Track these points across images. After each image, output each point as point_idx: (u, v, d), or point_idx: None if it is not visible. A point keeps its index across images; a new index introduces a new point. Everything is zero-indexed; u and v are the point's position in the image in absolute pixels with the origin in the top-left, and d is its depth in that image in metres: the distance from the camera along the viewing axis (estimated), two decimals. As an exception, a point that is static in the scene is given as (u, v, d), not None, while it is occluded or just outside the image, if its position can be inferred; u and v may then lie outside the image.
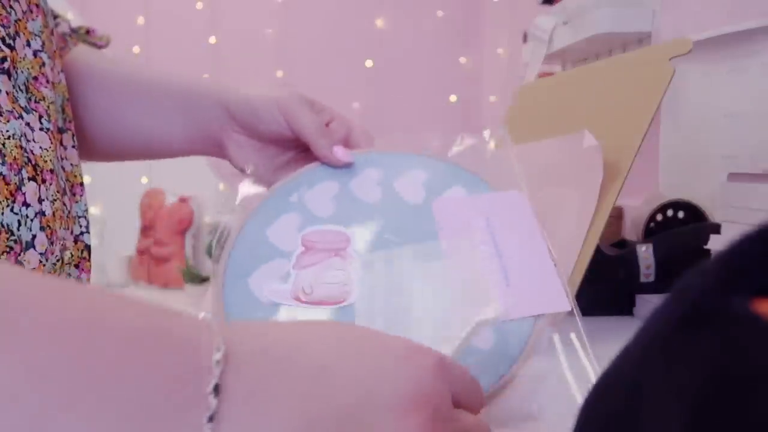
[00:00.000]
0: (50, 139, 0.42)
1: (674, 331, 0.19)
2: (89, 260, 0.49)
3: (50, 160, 0.42)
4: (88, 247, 0.49)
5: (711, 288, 0.19)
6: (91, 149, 0.55)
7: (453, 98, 2.70)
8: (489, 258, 0.47)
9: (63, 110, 0.47)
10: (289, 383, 0.26)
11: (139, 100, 0.54)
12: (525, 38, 1.41)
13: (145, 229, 1.85)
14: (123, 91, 0.55)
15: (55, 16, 0.54)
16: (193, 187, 1.67)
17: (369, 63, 2.65)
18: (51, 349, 0.21)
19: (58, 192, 0.43)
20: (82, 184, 0.49)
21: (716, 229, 0.58)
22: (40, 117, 0.42)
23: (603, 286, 0.69)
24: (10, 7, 0.40)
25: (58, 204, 0.43)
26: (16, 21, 0.41)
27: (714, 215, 0.80)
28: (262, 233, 0.47)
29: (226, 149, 0.53)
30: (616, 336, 0.63)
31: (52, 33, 0.47)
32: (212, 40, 2.61)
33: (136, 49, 2.64)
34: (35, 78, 0.42)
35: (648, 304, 0.68)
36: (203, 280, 2.02)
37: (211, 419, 0.23)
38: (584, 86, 0.75)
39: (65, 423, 0.21)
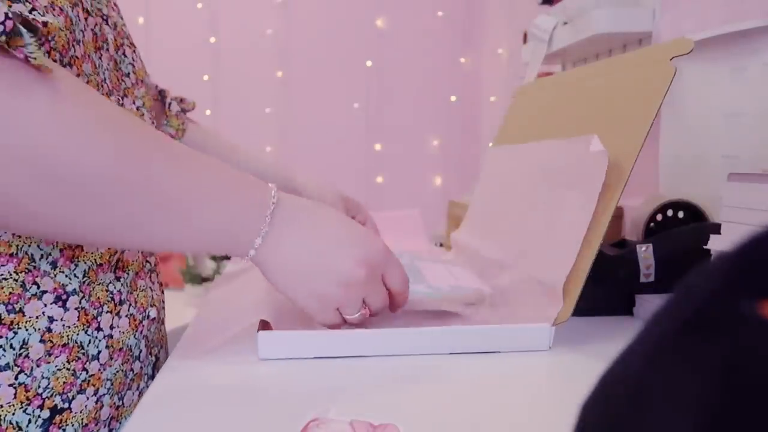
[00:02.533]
0: None
1: (679, 335, 0.18)
2: None
3: None
4: None
5: (717, 290, 0.18)
6: None
7: (453, 98, 2.69)
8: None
9: None
10: (308, 219, 0.54)
11: None
12: (525, 38, 1.41)
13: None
14: None
15: (164, 95, 0.85)
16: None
17: (369, 63, 2.65)
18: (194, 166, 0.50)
19: None
20: None
21: (716, 229, 0.58)
22: None
23: (603, 286, 0.69)
24: (122, 80, 0.61)
25: None
26: (125, 89, 0.61)
27: (714, 215, 0.80)
28: None
29: None
30: (616, 336, 0.63)
31: (155, 99, 0.70)
32: (212, 40, 2.61)
33: (136, 49, 2.63)
34: None
35: (648, 304, 0.68)
36: (203, 280, 2.02)
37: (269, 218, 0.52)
38: (585, 86, 0.75)
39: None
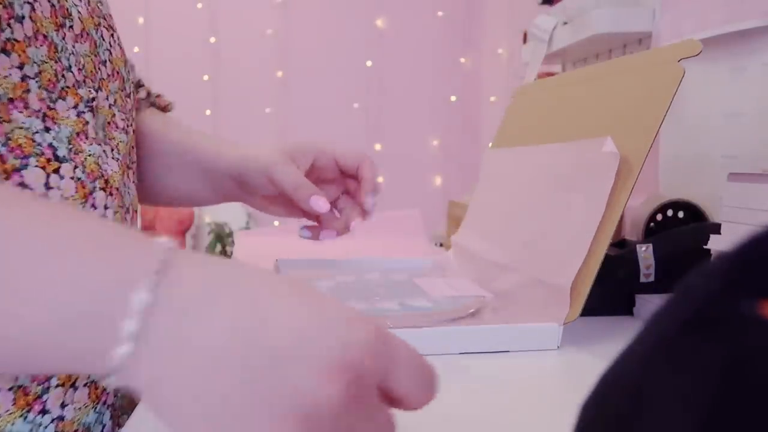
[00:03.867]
0: (119, 166, 0.52)
1: (679, 336, 0.18)
2: None
3: (117, 180, 0.51)
4: None
5: (717, 290, 0.18)
6: (140, 196, 0.67)
7: (453, 98, 2.70)
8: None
9: (130, 153, 0.57)
10: (221, 311, 0.27)
11: (179, 168, 0.68)
12: (525, 38, 1.41)
13: (145, 229, 1.85)
14: (165, 159, 0.68)
15: (141, 85, 0.70)
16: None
17: (369, 63, 2.65)
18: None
19: (120, 206, 0.52)
20: (136, 211, 0.59)
21: (716, 229, 0.58)
22: (112, 149, 0.52)
23: (603, 286, 0.69)
24: (98, 69, 0.52)
25: (119, 216, 0.52)
26: (101, 79, 0.52)
27: (714, 215, 0.80)
28: None
29: (248, 205, 0.70)
30: (616, 336, 0.63)
31: (128, 96, 0.58)
32: (212, 40, 2.61)
33: (136, 49, 2.64)
34: (109, 123, 0.53)
35: (648, 304, 0.68)
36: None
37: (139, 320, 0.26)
38: (590, 87, 0.75)
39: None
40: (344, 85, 2.65)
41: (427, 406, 0.42)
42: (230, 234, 2.95)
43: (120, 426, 0.50)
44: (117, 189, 0.51)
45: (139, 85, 0.70)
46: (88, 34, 0.50)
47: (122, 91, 0.56)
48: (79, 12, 0.49)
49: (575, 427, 0.21)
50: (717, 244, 0.57)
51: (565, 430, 0.22)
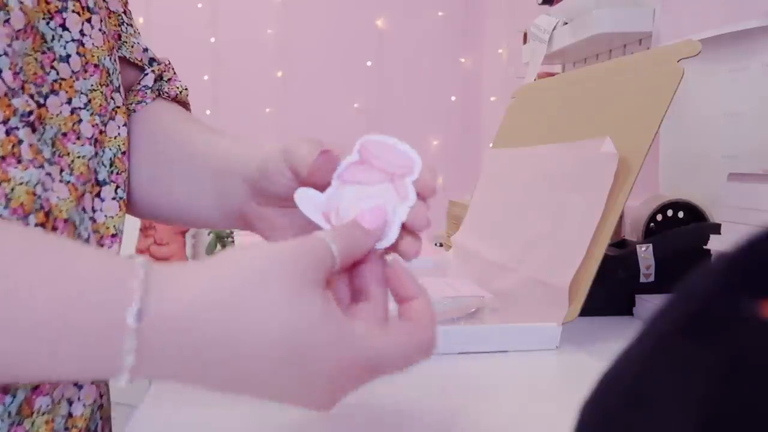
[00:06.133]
0: (70, 191, 0.43)
1: (679, 336, 0.18)
2: None
3: (66, 210, 0.42)
4: None
5: (717, 291, 0.18)
6: (130, 203, 0.55)
7: (453, 98, 2.70)
8: None
9: (112, 163, 0.49)
10: (203, 370, 0.30)
11: (182, 175, 0.54)
12: (525, 38, 1.41)
13: (145, 229, 1.85)
14: (170, 164, 0.55)
15: (144, 67, 0.57)
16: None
17: (369, 63, 2.65)
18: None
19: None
20: (115, 235, 0.48)
21: (716, 229, 0.58)
22: (62, 170, 0.43)
23: (603, 286, 0.69)
24: (51, 68, 0.42)
25: None
26: (57, 80, 0.43)
27: (714, 215, 0.80)
28: None
29: (251, 225, 0.51)
30: (616, 336, 0.63)
31: (117, 91, 0.49)
32: (212, 40, 2.61)
33: (136, 49, 2.63)
34: (64, 134, 0.44)
35: (648, 304, 0.68)
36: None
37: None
38: (590, 87, 0.75)
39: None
40: (344, 85, 2.65)
41: (426, 406, 0.42)
42: (230, 235, 2.94)
43: None
44: (66, 220, 0.42)
45: (150, 63, 0.58)
46: (33, 28, 0.41)
47: (105, 86, 0.47)
48: (20, 2, 0.40)
49: (575, 427, 0.21)
50: (717, 244, 0.57)
51: (564, 430, 0.22)
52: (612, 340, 0.61)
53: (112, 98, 0.49)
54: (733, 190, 0.56)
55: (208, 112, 2.60)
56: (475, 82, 2.63)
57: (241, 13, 2.63)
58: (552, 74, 1.30)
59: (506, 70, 2.15)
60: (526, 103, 0.94)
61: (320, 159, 0.39)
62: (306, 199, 0.39)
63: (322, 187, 0.39)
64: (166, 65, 0.60)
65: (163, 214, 0.57)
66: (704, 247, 0.57)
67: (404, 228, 0.38)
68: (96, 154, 0.47)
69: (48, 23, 0.42)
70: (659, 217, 0.82)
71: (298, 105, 2.64)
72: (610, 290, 0.70)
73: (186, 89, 0.60)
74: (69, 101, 0.44)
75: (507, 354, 0.56)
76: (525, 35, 1.40)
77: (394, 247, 0.39)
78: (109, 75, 0.48)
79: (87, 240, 0.45)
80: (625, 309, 0.71)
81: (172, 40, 2.57)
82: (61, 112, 0.43)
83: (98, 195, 0.48)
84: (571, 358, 0.56)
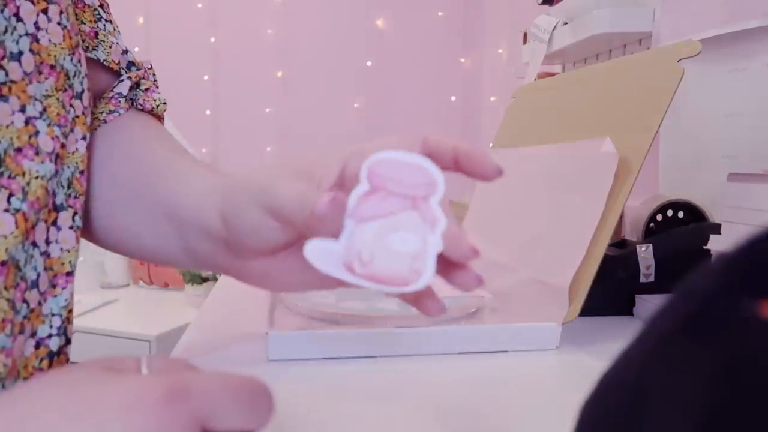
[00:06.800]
0: (16, 222, 0.36)
1: (679, 336, 0.18)
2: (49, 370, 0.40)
3: (6, 249, 0.35)
4: (51, 355, 0.40)
5: (717, 291, 0.18)
6: (87, 231, 0.47)
7: (453, 98, 2.70)
8: None
9: (70, 184, 0.41)
10: None
11: (144, 212, 0.45)
12: (525, 38, 1.41)
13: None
14: (130, 198, 0.46)
15: (121, 72, 0.49)
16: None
17: (369, 63, 2.65)
18: None
19: (7, 288, 0.35)
20: (70, 273, 0.41)
21: (716, 229, 0.58)
22: (10, 196, 0.36)
23: (603, 286, 0.69)
24: (0, 67, 0.35)
25: (1, 303, 0.35)
26: (5, 83, 0.36)
27: (714, 215, 0.80)
28: None
29: (244, 280, 0.42)
30: (616, 336, 0.63)
31: (78, 97, 0.42)
32: (212, 40, 2.61)
33: (136, 49, 2.64)
34: (18, 149, 0.36)
35: (648, 304, 0.68)
36: (204, 280, 2.02)
37: None
38: (590, 87, 0.75)
39: None
40: (344, 85, 2.65)
41: (426, 406, 0.42)
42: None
43: None
44: (3, 263, 0.35)
45: (129, 67, 0.50)
46: None
47: (62, 92, 0.40)
48: None
49: (575, 427, 0.21)
50: (717, 244, 0.57)
51: (564, 430, 0.22)
52: (612, 340, 0.61)
53: (71, 106, 0.41)
54: (732, 190, 0.56)
55: (208, 112, 2.60)
56: (475, 82, 2.63)
57: (241, 13, 2.63)
58: (552, 74, 1.31)
59: (506, 70, 2.15)
60: (526, 103, 0.94)
61: (323, 208, 0.30)
62: (320, 253, 0.31)
63: (330, 233, 0.31)
64: (146, 71, 0.52)
65: (127, 250, 0.48)
66: (704, 247, 0.57)
67: (443, 260, 0.32)
68: (56, 173, 0.39)
69: (2, 11, 0.35)
70: (659, 217, 0.82)
71: (298, 105, 2.64)
72: (610, 290, 0.70)
73: (164, 103, 0.51)
74: (22, 109, 0.36)
75: (507, 354, 0.56)
76: (525, 35, 1.40)
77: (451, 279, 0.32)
78: (69, 78, 0.40)
79: (36, 281, 0.38)
80: (625, 309, 0.71)
81: (172, 40, 2.57)
82: (12, 122, 0.36)
83: (54, 223, 0.40)
84: (571, 358, 0.56)
